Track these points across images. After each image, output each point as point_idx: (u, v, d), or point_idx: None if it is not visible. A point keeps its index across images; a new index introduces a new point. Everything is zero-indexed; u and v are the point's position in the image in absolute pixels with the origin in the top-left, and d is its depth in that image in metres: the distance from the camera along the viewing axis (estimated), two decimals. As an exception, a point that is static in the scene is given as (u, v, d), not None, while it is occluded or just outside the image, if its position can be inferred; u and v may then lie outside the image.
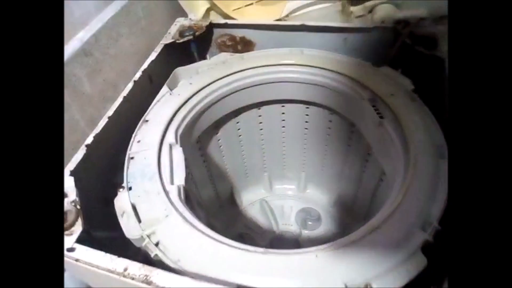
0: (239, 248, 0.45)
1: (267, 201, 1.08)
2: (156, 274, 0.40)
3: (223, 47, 0.88)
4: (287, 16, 0.85)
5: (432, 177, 0.50)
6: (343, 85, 0.69)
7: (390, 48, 0.75)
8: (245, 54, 0.77)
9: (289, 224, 1.03)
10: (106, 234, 0.53)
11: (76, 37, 0.60)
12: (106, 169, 0.62)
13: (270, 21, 0.81)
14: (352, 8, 0.79)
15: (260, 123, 0.91)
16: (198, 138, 0.76)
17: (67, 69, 0.57)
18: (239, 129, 0.90)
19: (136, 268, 0.41)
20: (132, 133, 0.62)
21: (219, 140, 0.88)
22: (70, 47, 0.58)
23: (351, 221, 0.96)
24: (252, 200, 1.09)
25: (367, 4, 0.78)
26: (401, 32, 0.72)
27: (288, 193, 1.10)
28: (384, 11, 0.75)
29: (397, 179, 0.53)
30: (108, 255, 0.43)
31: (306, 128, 0.91)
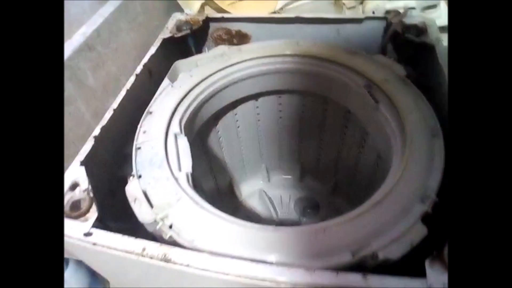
0: (251, 226, 0.47)
1: (266, 191, 1.10)
2: (174, 252, 0.42)
3: (219, 41, 0.90)
4: (281, 9, 0.88)
5: (428, 154, 0.53)
6: (338, 73, 0.72)
7: (382, 37, 0.78)
8: (243, 46, 0.79)
9: (288, 213, 1.06)
10: (114, 225, 0.55)
11: (79, 32, 0.61)
12: (111, 162, 0.64)
13: (265, 14, 0.83)
14: (344, 1, 0.82)
15: (258, 114, 0.93)
16: (198, 131, 0.78)
17: (72, 63, 0.58)
18: (237, 120, 0.92)
19: (154, 247, 0.43)
20: (134, 125, 0.64)
21: (218, 132, 0.90)
22: (75, 42, 0.59)
23: (349, 207, 0.99)
24: (251, 191, 1.12)
25: (358, -5, 0.81)
26: (391, 21, 0.75)
27: (286, 183, 1.13)
28: (375, 3, 0.79)
29: (395, 158, 0.56)
30: (125, 237, 0.44)
31: (302, 118, 0.93)
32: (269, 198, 1.09)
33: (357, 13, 0.83)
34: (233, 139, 0.96)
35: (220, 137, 0.92)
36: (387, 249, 0.43)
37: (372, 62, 0.71)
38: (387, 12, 0.77)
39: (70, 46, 0.58)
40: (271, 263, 0.41)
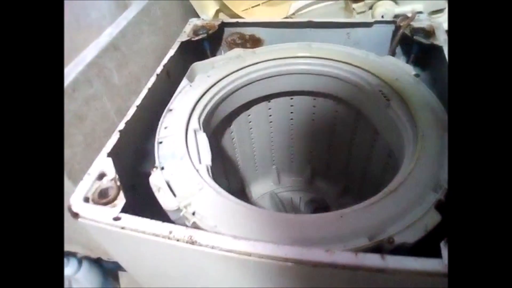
0: (271, 213, 0.49)
1: (276, 193, 1.12)
2: (200, 235, 0.44)
3: (233, 45, 0.93)
4: (293, 14, 0.91)
5: (439, 147, 0.55)
6: (350, 74, 0.74)
7: (391, 40, 0.82)
8: (257, 49, 0.82)
9: (301, 214, 1.07)
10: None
11: (106, 32, 0.65)
12: (133, 156, 0.66)
13: (278, 19, 0.86)
14: (354, 5, 0.86)
15: (270, 115, 0.96)
16: (213, 131, 0.81)
17: (99, 61, 0.61)
18: (250, 122, 0.95)
19: (180, 230, 0.45)
20: (154, 122, 0.67)
21: (232, 132, 0.93)
22: (102, 41, 0.63)
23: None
24: (261, 193, 1.14)
25: (368, 1, 0.84)
26: (400, 25, 0.78)
27: (296, 185, 1.15)
28: (384, 7, 0.82)
29: (407, 151, 0.58)
30: (152, 220, 0.46)
31: (313, 120, 0.96)
32: (280, 200, 1.10)
33: (367, 18, 0.86)
34: (246, 139, 0.98)
35: (233, 138, 0.95)
36: (403, 234, 0.45)
37: (382, 62, 0.74)
38: (396, 16, 0.81)
39: (98, 45, 0.62)
40: (292, 245, 0.43)
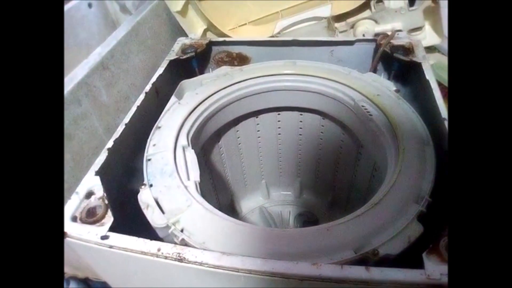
0: (259, 229, 0.50)
1: (266, 207, 1.13)
2: (188, 251, 0.45)
3: (220, 63, 0.95)
4: (278, 33, 0.94)
5: (420, 160, 0.57)
6: (334, 90, 0.77)
7: (372, 57, 0.85)
8: (244, 67, 0.85)
9: (288, 228, 1.07)
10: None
11: (95, 51, 0.66)
12: (121, 174, 0.67)
13: (264, 37, 0.89)
14: (336, 25, 0.90)
15: (258, 131, 0.97)
16: (202, 147, 0.82)
17: (88, 80, 0.62)
18: (238, 137, 0.96)
19: (168, 248, 0.45)
20: (143, 139, 0.67)
21: (221, 148, 0.94)
22: (91, 60, 0.64)
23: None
24: (251, 208, 1.14)
25: (349, 20, 0.88)
26: (380, 43, 0.82)
27: (285, 199, 1.16)
28: (364, 26, 0.86)
29: (390, 165, 0.60)
30: (140, 239, 0.47)
31: (300, 134, 0.98)
32: (269, 215, 1.11)
33: (349, 36, 0.90)
34: (235, 155, 0.99)
35: (222, 154, 0.96)
36: (387, 246, 0.46)
37: (364, 79, 0.77)
38: (376, 34, 0.84)
39: (86, 64, 0.63)
40: (279, 260, 0.44)
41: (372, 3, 0.88)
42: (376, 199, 0.52)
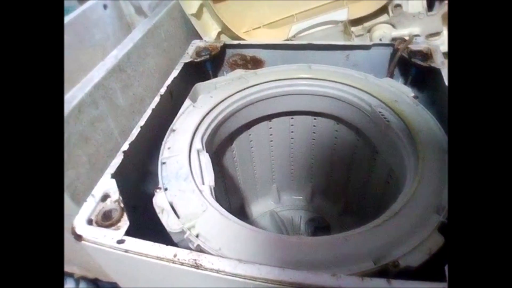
0: (275, 236, 0.49)
1: (277, 212, 1.12)
2: (204, 258, 0.44)
3: (234, 66, 0.95)
4: (293, 37, 0.94)
5: (440, 169, 0.56)
6: (350, 94, 0.76)
7: (389, 62, 0.84)
8: (258, 70, 0.84)
9: (299, 234, 1.06)
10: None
11: (112, 54, 0.66)
12: (136, 177, 0.67)
13: (279, 41, 0.89)
14: (353, 28, 0.88)
15: (271, 135, 0.97)
16: (215, 150, 0.81)
17: (105, 83, 0.62)
18: (251, 141, 0.95)
19: (184, 254, 0.45)
20: (157, 142, 0.67)
21: (233, 151, 0.93)
22: (108, 63, 0.64)
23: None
24: (262, 212, 1.13)
25: (366, 24, 0.87)
26: (398, 48, 0.80)
27: (296, 204, 1.14)
28: (382, 30, 0.84)
29: (409, 172, 0.59)
30: (156, 244, 0.46)
31: (313, 139, 0.97)
32: (280, 219, 1.10)
33: (365, 40, 0.89)
34: (247, 159, 0.99)
35: (234, 157, 0.95)
36: (407, 257, 0.45)
37: (381, 84, 0.75)
38: (393, 39, 0.83)
39: (104, 66, 0.63)
40: (297, 269, 0.43)
41: (390, 7, 0.87)
42: (395, 208, 0.51)
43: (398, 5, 0.86)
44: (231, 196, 1.00)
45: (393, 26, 0.86)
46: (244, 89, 0.80)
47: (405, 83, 0.81)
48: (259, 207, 1.14)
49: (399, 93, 0.72)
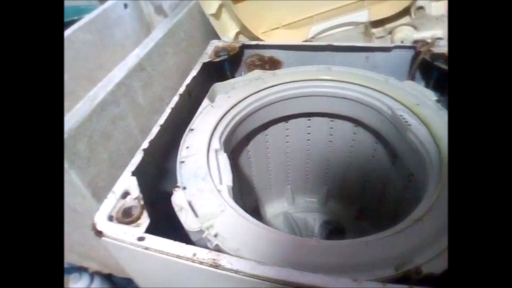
0: (294, 238, 0.49)
1: (290, 213, 1.11)
2: (224, 258, 0.44)
3: (252, 67, 0.95)
4: (312, 38, 0.93)
5: (464, 175, 0.54)
6: (370, 97, 0.75)
7: (410, 65, 0.82)
8: (277, 71, 0.84)
9: (313, 236, 1.06)
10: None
11: (134, 53, 0.67)
12: (154, 174, 0.67)
13: (298, 42, 0.88)
14: (373, 30, 0.87)
15: (287, 136, 0.96)
16: (232, 150, 0.81)
17: (127, 81, 0.63)
18: (267, 141, 0.95)
19: (204, 253, 0.45)
20: (175, 141, 0.68)
21: (249, 152, 0.93)
22: (130, 62, 0.65)
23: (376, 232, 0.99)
24: (275, 213, 1.13)
25: (387, 26, 0.86)
26: (420, 50, 0.79)
27: (310, 206, 1.14)
28: (403, 32, 0.83)
29: (431, 178, 0.57)
30: (176, 242, 0.46)
31: (330, 141, 0.96)
32: (294, 221, 1.09)
33: (386, 42, 0.87)
34: (262, 159, 0.98)
35: (250, 157, 0.95)
36: (430, 264, 0.44)
37: (403, 87, 0.74)
38: (415, 41, 0.81)
39: (125, 66, 0.64)
40: (316, 273, 0.42)
41: (412, 9, 0.85)
42: (417, 214, 0.50)
43: (421, 7, 0.84)
44: (245, 196, 1.00)
45: (415, 28, 0.84)
46: (262, 89, 0.80)
47: (427, 87, 0.79)
48: (272, 208, 1.14)
49: (421, 96, 0.71)
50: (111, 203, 0.53)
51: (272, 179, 1.07)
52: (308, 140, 0.98)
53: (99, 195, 0.59)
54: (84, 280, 1.16)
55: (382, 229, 0.50)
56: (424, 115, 0.66)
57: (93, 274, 1.18)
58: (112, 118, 0.60)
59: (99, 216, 0.51)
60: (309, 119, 0.92)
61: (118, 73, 0.62)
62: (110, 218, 0.51)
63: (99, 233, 0.50)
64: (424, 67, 0.80)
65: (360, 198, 1.04)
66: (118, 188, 0.55)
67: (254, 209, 1.08)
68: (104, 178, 0.60)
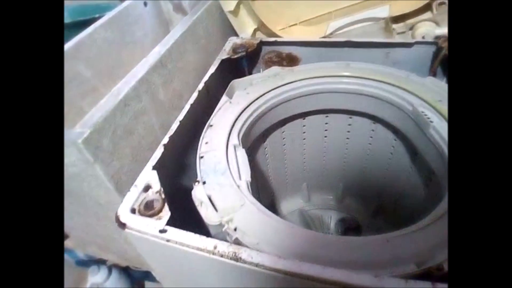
0: (314, 234, 0.49)
1: (306, 210, 1.11)
2: (244, 251, 0.44)
3: (269, 63, 0.95)
4: (331, 34, 0.92)
5: (489, 173, 0.53)
6: (390, 93, 0.74)
7: (431, 61, 0.80)
8: (295, 68, 0.84)
9: (329, 233, 1.05)
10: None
11: (155, 50, 0.69)
12: (173, 169, 0.68)
13: (316, 38, 0.88)
14: (394, 26, 0.86)
15: (304, 132, 0.96)
16: (249, 146, 0.82)
17: (149, 77, 0.64)
18: (284, 138, 0.95)
19: (224, 246, 0.45)
20: (194, 136, 0.69)
21: (265, 148, 0.93)
22: (151, 59, 0.66)
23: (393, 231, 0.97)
24: (291, 209, 1.13)
25: (408, 21, 0.84)
26: (442, 46, 0.77)
27: (326, 203, 1.13)
28: (425, 28, 0.81)
29: (454, 176, 0.56)
30: (197, 235, 0.47)
31: (347, 138, 0.95)
32: (310, 218, 1.09)
33: (407, 38, 0.86)
34: (279, 156, 0.99)
35: (267, 154, 0.95)
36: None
37: (424, 83, 0.73)
38: (437, 37, 0.80)
39: (147, 62, 0.65)
40: (337, 268, 0.42)
41: (434, 4, 0.83)
42: (439, 211, 0.49)
43: (443, 3, 0.83)
44: (261, 192, 1.01)
45: (437, 24, 0.83)
46: (280, 86, 0.80)
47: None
48: (288, 205, 1.14)
49: (443, 93, 0.70)
50: (133, 196, 0.54)
51: (288, 175, 1.07)
52: (325, 137, 0.97)
53: (122, 189, 0.60)
54: (102, 273, 1.19)
55: (399, 227, 0.50)
56: (446, 111, 0.65)
57: (111, 267, 1.21)
58: (134, 114, 0.61)
59: (122, 209, 0.52)
60: (327, 116, 0.92)
61: (140, 69, 0.63)
62: (133, 211, 0.53)
63: (123, 225, 0.51)
64: (445, 63, 0.78)
65: (378, 196, 1.03)
66: (140, 181, 0.56)
67: (269, 205, 1.09)
68: (126, 172, 0.61)
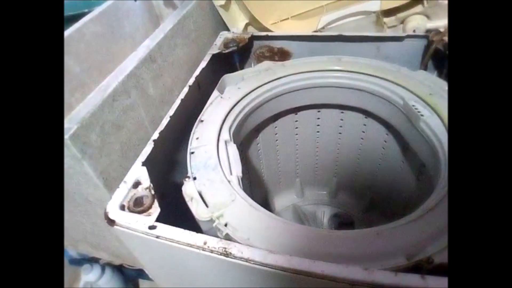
0: (304, 228, 0.49)
1: (299, 206, 1.11)
2: (234, 247, 0.44)
3: (261, 58, 0.94)
4: (322, 28, 0.92)
5: (479, 165, 0.53)
6: (382, 87, 0.74)
7: (423, 55, 0.80)
8: (287, 62, 0.83)
9: (323, 228, 1.05)
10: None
11: (144, 44, 0.68)
12: (163, 165, 0.68)
13: (308, 32, 0.87)
14: (385, 19, 0.86)
15: (296, 128, 0.96)
16: (241, 142, 0.81)
17: (137, 72, 0.63)
18: (276, 133, 0.95)
19: (214, 242, 0.45)
20: (185, 132, 0.68)
21: (258, 144, 0.93)
22: (140, 53, 0.65)
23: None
24: (284, 205, 1.13)
25: (399, 15, 0.84)
26: (433, 40, 0.77)
27: (320, 199, 1.13)
28: (416, 22, 0.81)
29: (443, 168, 0.56)
30: (187, 231, 0.47)
31: (340, 133, 0.95)
32: (303, 213, 1.09)
33: (398, 32, 0.86)
34: (271, 151, 0.98)
35: (259, 149, 0.95)
36: (442, 254, 0.43)
37: (415, 77, 0.73)
38: (428, 31, 0.80)
39: (136, 57, 0.64)
40: (329, 262, 0.42)
41: (425, -3, 0.83)
42: (430, 204, 0.49)
43: (434, -5, 0.83)
44: (254, 188, 1.01)
45: (428, 17, 0.82)
46: (272, 80, 0.79)
47: (440, 76, 0.78)
48: (281, 201, 1.14)
49: (434, 86, 0.70)
50: (122, 192, 0.54)
51: (281, 171, 1.07)
52: (318, 132, 0.97)
53: (111, 185, 0.59)
54: (95, 271, 1.18)
55: (392, 221, 0.50)
56: (437, 105, 0.65)
57: (104, 266, 1.20)
58: (123, 109, 0.61)
59: (111, 205, 0.52)
60: (319, 111, 0.92)
61: (129, 64, 0.62)
62: (122, 207, 0.52)
63: (112, 222, 0.50)
64: (437, 56, 0.78)
65: (370, 191, 1.03)
66: (130, 178, 0.56)
67: (263, 201, 1.09)
68: (115, 168, 0.60)
